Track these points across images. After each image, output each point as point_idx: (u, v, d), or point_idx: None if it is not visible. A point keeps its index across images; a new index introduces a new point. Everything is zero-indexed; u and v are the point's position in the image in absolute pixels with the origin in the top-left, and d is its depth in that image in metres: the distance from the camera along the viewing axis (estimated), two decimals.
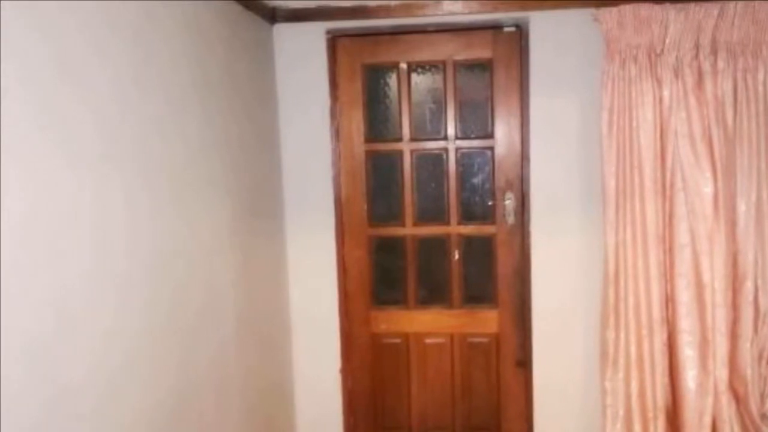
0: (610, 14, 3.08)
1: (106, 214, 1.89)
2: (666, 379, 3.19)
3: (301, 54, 3.43)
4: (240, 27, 3.03)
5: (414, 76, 3.46)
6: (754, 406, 3.13)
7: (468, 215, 3.49)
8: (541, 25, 3.26)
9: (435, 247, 3.53)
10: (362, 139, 3.48)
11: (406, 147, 3.47)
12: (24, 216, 1.55)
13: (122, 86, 1.99)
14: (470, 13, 3.29)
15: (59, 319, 1.67)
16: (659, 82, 3.09)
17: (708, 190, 3.06)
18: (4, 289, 1.47)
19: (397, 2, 3.29)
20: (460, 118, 3.44)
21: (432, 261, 3.55)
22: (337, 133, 3.46)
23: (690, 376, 3.16)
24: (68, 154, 1.72)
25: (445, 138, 3.45)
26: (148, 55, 2.16)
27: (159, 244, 2.21)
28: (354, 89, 3.45)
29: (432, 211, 3.51)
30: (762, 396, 3.15)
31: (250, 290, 3.05)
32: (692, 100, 3.06)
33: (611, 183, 3.13)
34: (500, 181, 3.40)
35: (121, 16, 1.99)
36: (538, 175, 3.33)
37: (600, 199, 3.21)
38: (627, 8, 3.06)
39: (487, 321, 3.51)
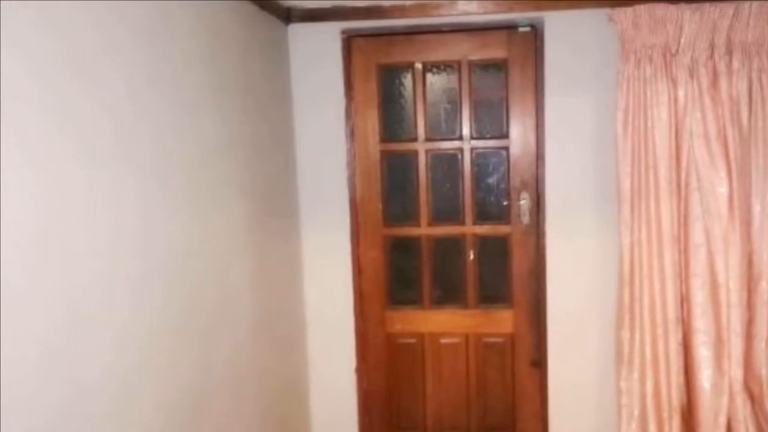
0: (625, 14, 3.20)
1: (121, 214, 1.94)
2: (681, 379, 3.32)
3: (316, 54, 3.57)
4: (255, 27, 3.13)
5: (429, 76, 3.60)
6: None
7: (483, 215, 3.62)
8: (556, 25, 3.39)
9: (450, 247, 3.67)
10: (377, 139, 3.62)
11: (421, 147, 3.61)
12: (38, 216, 1.59)
13: (137, 86, 2.04)
14: (485, 13, 3.42)
15: (74, 320, 1.71)
16: (674, 82, 3.21)
17: (723, 190, 3.18)
18: (18, 288, 1.51)
19: (412, 2, 3.42)
20: (475, 118, 3.58)
21: (447, 261, 3.69)
22: (352, 133, 3.60)
23: (705, 376, 3.28)
24: (82, 153, 1.76)
25: (460, 138, 3.59)
26: (163, 55, 2.22)
27: (174, 244, 2.27)
28: (369, 89, 3.59)
29: (447, 211, 3.65)
30: None
31: (265, 290, 3.16)
32: (707, 100, 3.18)
33: (626, 183, 3.26)
34: (515, 181, 3.53)
35: (136, 15, 2.05)
36: (553, 175, 3.46)
37: (615, 199, 3.33)
38: (642, 8, 3.17)
39: (502, 321, 3.64)
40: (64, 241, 1.68)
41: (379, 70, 3.59)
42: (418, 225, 3.66)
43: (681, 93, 3.20)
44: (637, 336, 3.30)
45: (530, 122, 3.49)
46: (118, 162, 1.93)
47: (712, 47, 3.18)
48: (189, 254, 2.40)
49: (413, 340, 3.71)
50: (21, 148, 1.53)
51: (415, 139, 3.61)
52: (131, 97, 2.01)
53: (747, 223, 3.22)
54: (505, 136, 3.54)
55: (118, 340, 1.91)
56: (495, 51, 3.50)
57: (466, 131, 3.57)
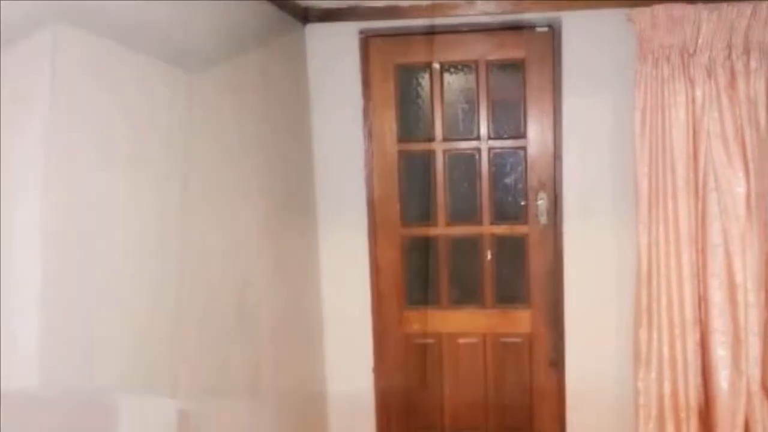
0: (643, 14, 3.33)
1: (139, 214, 2.04)
2: (699, 379, 3.45)
3: (333, 54, 3.73)
4: (273, 27, 3.27)
5: (447, 76, 3.76)
6: None
7: (500, 215, 3.78)
8: (574, 25, 3.54)
9: (467, 247, 3.82)
10: (395, 139, 3.78)
11: (438, 147, 3.77)
12: (56, 217, 1.65)
13: (154, 87, 2.15)
14: (503, 13, 3.57)
15: (91, 320, 1.78)
16: (692, 82, 3.35)
17: (740, 189, 3.32)
18: (36, 289, 1.58)
19: (430, 2, 3.56)
20: (493, 118, 3.72)
21: (465, 261, 3.85)
22: (369, 133, 3.75)
23: (723, 376, 3.41)
24: (99, 154, 1.84)
25: (478, 138, 3.74)
26: (180, 55, 2.33)
27: (192, 244, 2.38)
28: (386, 89, 3.75)
29: (464, 211, 3.81)
30: None
31: (283, 290, 3.30)
32: (725, 100, 3.32)
33: (644, 183, 3.40)
34: (533, 181, 3.68)
35: (153, 15, 2.10)
36: (570, 175, 3.60)
37: (632, 199, 3.47)
38: (660, 8, 3.31)
39: (519, 321, 3.79)
40: (81, 241, 1.75)
41: (397, 70, 3.74)
42: (435, 225, 3.80)
43: (698, 93, 3.34)
44: (655, 336, 3.43)
45: (548, 122, 3.63)
46: (135, 163, 2.02)
47: (729, 47, 3.31)
48: (207, 254, 2.52)
49: (431, 340, 3.85)
50: (38, 149, 1.62)
51: (432, 139, 3.76)
52: (148, 97, 2.11)
53: (764, 224, 3.35)
54: (523, 136, 3.68)
55: (135, 341, 2.01)
56: (513, 51, 3.65)
57: (483, 131, 3.72)
